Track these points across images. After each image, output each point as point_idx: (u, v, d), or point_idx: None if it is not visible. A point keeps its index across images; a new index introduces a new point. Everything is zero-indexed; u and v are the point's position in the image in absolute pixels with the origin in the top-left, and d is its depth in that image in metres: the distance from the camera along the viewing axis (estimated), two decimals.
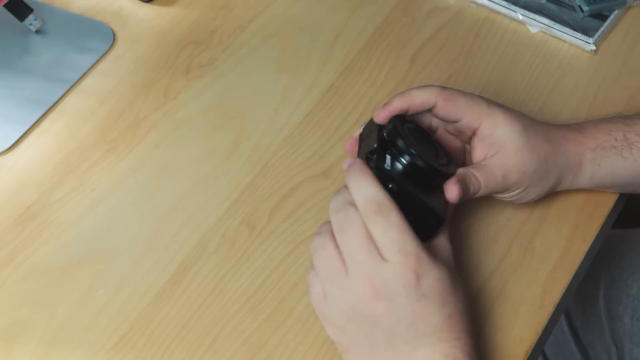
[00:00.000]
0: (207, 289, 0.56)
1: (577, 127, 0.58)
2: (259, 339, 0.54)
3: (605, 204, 0.61)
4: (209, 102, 0.67)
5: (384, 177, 0.49)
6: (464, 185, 0.52)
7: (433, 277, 0.46)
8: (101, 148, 0.64)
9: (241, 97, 0.68)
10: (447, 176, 0.51)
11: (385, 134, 0.51)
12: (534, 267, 0.58)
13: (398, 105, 0.53)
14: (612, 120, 0.58)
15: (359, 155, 0.53)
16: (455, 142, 0.58)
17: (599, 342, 0.79)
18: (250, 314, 0.55)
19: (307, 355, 0.53)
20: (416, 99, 0.54)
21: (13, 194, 0.62)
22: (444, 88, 0.54)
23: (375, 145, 0.51)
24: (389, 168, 0.50)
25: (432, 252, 0.50)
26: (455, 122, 0.55)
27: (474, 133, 0.55)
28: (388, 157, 0.50)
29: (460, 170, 0.53)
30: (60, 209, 0.61)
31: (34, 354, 0.53)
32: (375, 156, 0.50)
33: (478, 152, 0.55)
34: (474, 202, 0.59)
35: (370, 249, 0.47)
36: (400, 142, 0.50)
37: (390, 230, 0.46)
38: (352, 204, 0.48)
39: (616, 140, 0.56)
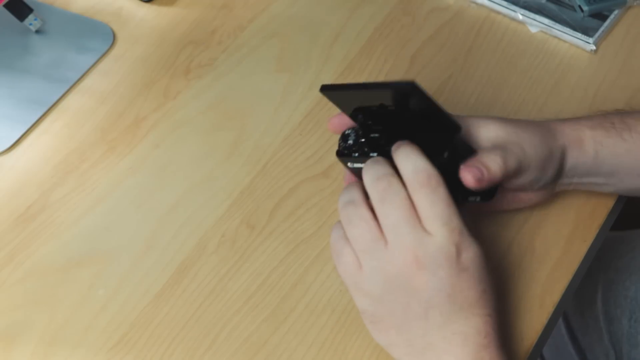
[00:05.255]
0: (207, 289, 0.56)
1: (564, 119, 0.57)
2: (259, 339, 0.54)
3: (605, 204, 0.61)
4: (209, 102, 0.67)
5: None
6: (479, 168, 0.50)
7: (473, 252, 0.47)
8: (101, 148, 0.64)
9: (241, 97, 0.68)
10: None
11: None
12: (534, 267, 0.58)
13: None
14: (605, 113, 0.58)
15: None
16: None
17: (597, 345, 0.79)
18: (250, 314, 0.55)
19: (307, 355, 0.53)
20: None
21: (13, 194, 0.62)
22: None
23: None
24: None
25: None
26: None
27: None
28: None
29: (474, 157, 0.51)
30: (60, 209, 0.61)
31: (34, 354, 0.53)
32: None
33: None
34: None
35: (414, 221, 0.47)
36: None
37: (437, 203, 0.47)
38: (393, 174, 0.48)
39: (613, 123, 0.56)
